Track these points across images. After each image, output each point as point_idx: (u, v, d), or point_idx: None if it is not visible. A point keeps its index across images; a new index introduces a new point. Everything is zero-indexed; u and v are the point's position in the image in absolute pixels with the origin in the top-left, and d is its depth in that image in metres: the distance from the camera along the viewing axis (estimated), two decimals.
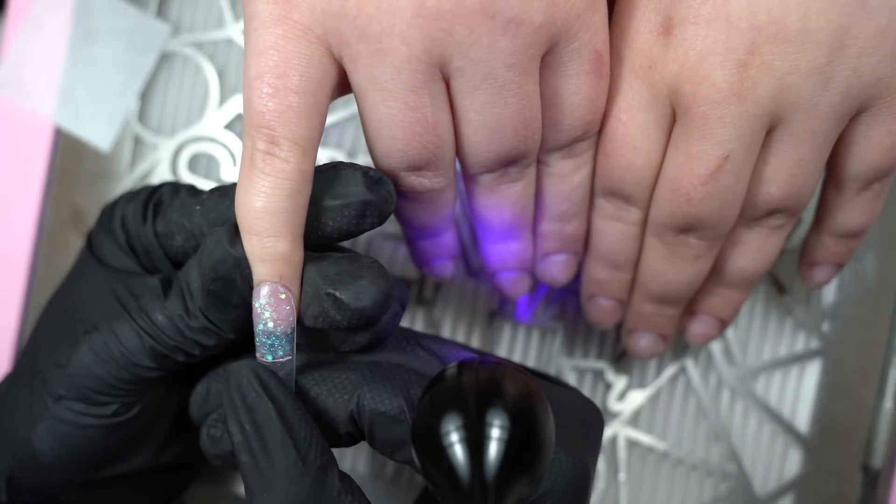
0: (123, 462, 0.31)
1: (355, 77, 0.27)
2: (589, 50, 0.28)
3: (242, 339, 0.29)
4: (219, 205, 0.29)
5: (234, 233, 0.27)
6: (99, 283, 0.30)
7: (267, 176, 0.26)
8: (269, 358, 0.28)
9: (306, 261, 0.28)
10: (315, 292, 0.27)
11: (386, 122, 0.28)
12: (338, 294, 0.27)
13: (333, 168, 0.28)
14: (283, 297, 0.27)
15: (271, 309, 0.27)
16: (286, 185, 0.26)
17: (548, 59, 0.28)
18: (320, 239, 0.28)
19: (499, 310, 0.40)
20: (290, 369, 0.28)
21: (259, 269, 0.27)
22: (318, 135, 0.27)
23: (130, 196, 0.31)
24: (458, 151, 0.30)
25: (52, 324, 0.31)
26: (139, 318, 0.28)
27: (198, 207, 0.29)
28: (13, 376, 0.32)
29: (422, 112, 0.27)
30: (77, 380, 0.29)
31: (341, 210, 0.27)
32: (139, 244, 0.30)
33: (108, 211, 0.31)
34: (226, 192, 0.29)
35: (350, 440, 0.29)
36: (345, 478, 0.27)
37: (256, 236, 0.27)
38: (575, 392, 0.31)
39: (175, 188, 0.31)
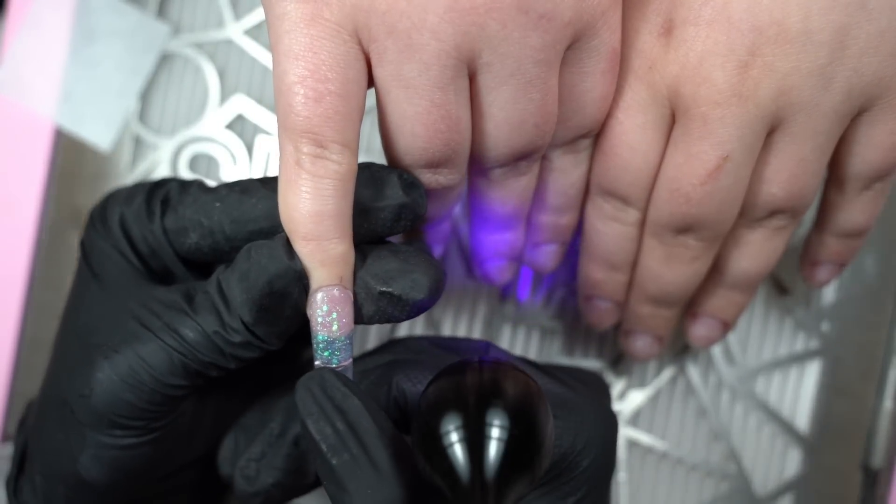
0: (177, 460, 0.31)
1: (379, 73, 0.27)
2: (607, 48, 0.28)
3: (283, 347, 0.29)
4: (242, 202, 0.28)
5: (289, 245, 0.27)
6: (108, 301, 0.29)
7: (321, 178, 0.26)
8: (335, 363, 0.27)
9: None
10: (367, 292, 0.27)
11: (409, 119, 0.27)
12: (393, 291, 0.27)
13: (368, 169, 0.28)
14: (346, 299, 0.27)
15: (337, 314, 0.27)
16: (340, 186, 0.26)
17: (567, 54, 0.28)
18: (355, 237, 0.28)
19: (498, 310, 0.40)
20: (350, 373, 0.28)
21: (319, 275, 0.26)
22: (359, 134, 0.27)
23: (127, 195, 0.30)
24: (476, 146, 0.29)
25: (67, 350, 0.30)
26: (166, 337, 0.27)
27: (217, 204, 0.28)
28: (41, 407, 0.30)
29: (447, 109, 0.27)
30: (104, 409, 0.27)
31: (379, 213, 0.27)
32: (144, 245, 0.29)
33: (99, 213, 0.30)
34: (247, 189, 0.29)
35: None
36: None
37: (315, 241, 0.26)
38: (578, 369, 0.32)
39: (182, 184, 0.30)
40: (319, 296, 0.27)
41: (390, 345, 0.31)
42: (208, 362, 0.27)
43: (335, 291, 0.27)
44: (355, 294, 0.27)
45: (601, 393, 0.31)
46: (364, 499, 0.25)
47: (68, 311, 0.30)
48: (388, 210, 0.28)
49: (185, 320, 0.27)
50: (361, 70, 0.27)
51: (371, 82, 0.28)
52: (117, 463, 0.28)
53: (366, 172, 0.28)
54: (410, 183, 0.28)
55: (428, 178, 0.29)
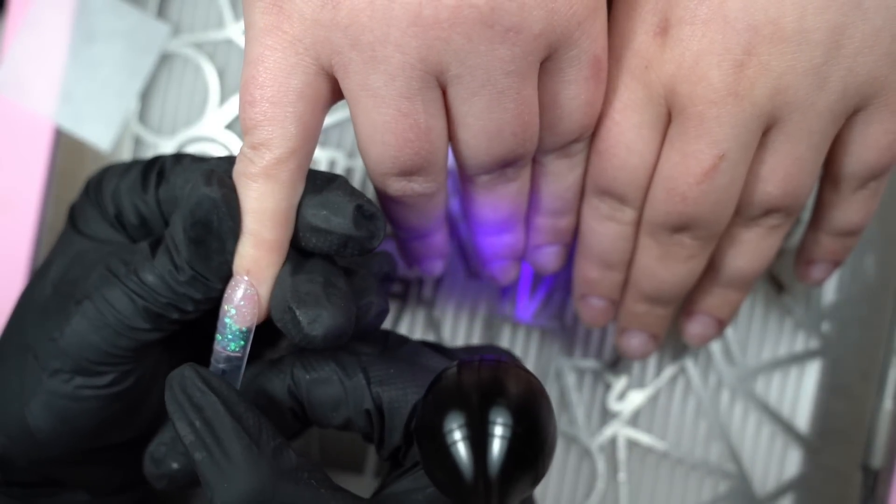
0: (119, 433, 0.31)
1: (347, 84, 0.28)
2: (588, 56, 0.29)
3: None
4: (227, 170, 0.29)
5: (209, 175, 0.28)
6: (86, 254, 0.30)
7: (239, 176, 0.28)
8: (221, 346, 0.28)
9: (294, 264, 0.28)
10: (283, 299, 0.28)
11: (378, 129, 0.28)
12: (297, 313, 0.27)
13: (333, 189, 0.28)
14: (245, 293, 0.28)
15: (232, 300, 0.28)
16: (254, 188, 0.27)
17: (547, 64, 0.28)
18: (305, 249, 0.28)
19: (498, 310, 0.40)
20: (237, 366, 0.29)
21: (235, 259, 0.28)
22: (298, 144, 0.27)
23: (124, 168, 0.31)
24: (456, 154, 0.30)
25: (38, 299, 0.31)
26: (129, 282, 0.28)
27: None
28: None
29: (414, 118, 0.28)
30: (73, 351, 0.29)
31: (326, 235, 0.28)
32: (134, 215, 0.30)
33: (94, 184, 0.31)
34: (233, 160, 0.29)
35: (296, 420, 0.30)
36: (301, 454, 0.27)
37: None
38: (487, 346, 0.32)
39: (177, 157, 0.31)
40: (234, 277, 0.28)
41: None
42: (166, 303, 0.28)
43: (236, 280, 0.28)
44: (278, 293, 0.28)
45: None
46: (221, 492, 0.26)
47: (45, 265, 0.31)
48: (335, 237, 0.28)
49: (146, 265, 0.28)
50: (310, 84, 0.27)
51: (337, 96, 0.29)
52: (66, 413, 0.29)
53: (330, 193, 0.28)
54: (368, 216, 0.28)
55: (403, 185, 0.29)
